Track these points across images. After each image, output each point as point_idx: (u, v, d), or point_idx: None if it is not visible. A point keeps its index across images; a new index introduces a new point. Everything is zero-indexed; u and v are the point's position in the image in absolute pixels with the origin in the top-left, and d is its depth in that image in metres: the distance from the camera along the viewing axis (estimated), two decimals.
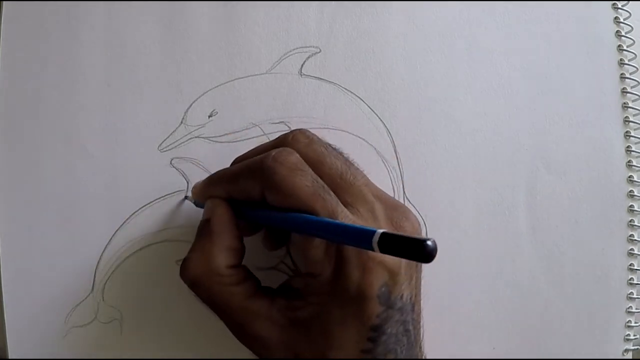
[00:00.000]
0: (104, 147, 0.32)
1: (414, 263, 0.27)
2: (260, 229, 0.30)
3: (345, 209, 0.26)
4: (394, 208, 0.28)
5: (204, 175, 0.32)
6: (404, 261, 0.26)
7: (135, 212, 0.32)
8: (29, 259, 0.31)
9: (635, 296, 0.36)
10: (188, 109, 0.33)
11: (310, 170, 0.26)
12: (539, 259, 0.35)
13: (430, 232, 0.34)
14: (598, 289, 0.35)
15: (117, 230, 0.32)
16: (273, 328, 0.26)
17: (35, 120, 0.32)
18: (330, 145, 0.29)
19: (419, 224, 0.28)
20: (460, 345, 0.32)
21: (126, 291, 0.32)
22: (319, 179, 0.26)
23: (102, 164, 0.32)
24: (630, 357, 0.36)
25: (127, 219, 0.32)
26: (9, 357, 0.31)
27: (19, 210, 0.31)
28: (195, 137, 0.33)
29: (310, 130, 0.33)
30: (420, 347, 0.28)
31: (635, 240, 0.36)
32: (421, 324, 0.28)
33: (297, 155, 0.26)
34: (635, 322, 0.35)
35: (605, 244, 0.36)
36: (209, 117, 0.33)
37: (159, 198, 0.32)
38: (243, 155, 0.30)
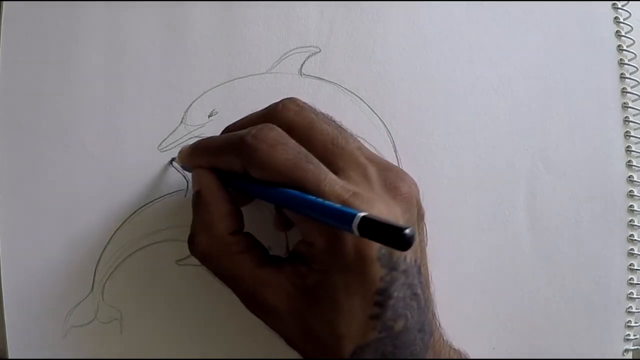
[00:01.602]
0: (104, 147, 0.32)
1: (416, 224, 0.27)
2: (252, 200, 0.30)
3: (333, 177, 0.25)
4: (388, 169, 0.27)
5: None
6: (402, 222, 0.25)
7: (135, 212, 0.32)
8: (29, 259, 0.31)
9: (635, 296, 0.36)
10: (188, 108, 0.33)
11: (292, 141, 0.26)
12: (539, 259, 0.35)
13: (430, 232, 0.34)
14: (598, 289, 0.35)
15: (117, 230, 0.32)
16: (282, 296, 0.26)
17: (35, 120, 0.32)
18: (321, 112, 0.28)
19: (416, 184, 0.28)
20: (460, 345, 0.32)
21: (126, 291, 0.32)
22: (302, 148, 0.26)
23: (102, 164, 0.32)
24: (630, 357, 0.36)
25: (127, 219, 0.32)
26: (9, 357, 0.31)
27: (19, 210, 0.31)
28: (195, 137, 0.33)
29: None
30: (433, 314, 0.27)
31: (635, 240, 0.36)
32: (431, 289, 0.27)
33: (278, 129, 0.26)
34: (635, 322, 0.35)
35: (605, 244, 0.36)
36: (209, 117, 0.33)
37: (159, 198, 0.32)
38: (233, 124, 0.29)
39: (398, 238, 0.20)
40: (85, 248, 0.31)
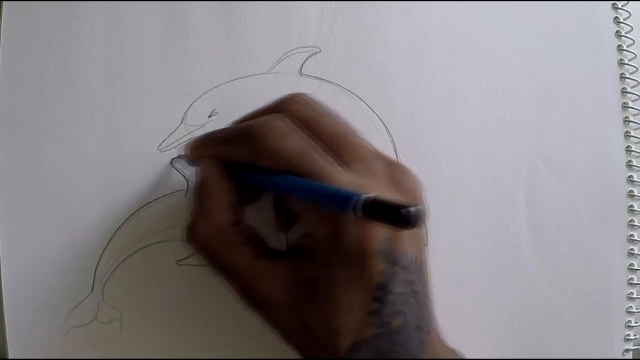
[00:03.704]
0: (104, 147, 0.32)
1: None
2: (257, 198, 0.30)
3: (339, 168, 0.25)
4: (393, 165, 0.28)
5: None
6: None
7: (135, 212, 0.32)
8: (29, 259, 0.31)
9: (635, 296, 0.36)
10: (188, 108, 0.33)
11: (301, 132, 0.26)
12: (539, 259, 0.35)
13: (430, 232, 0.34)
14: (598, 289, 0.35)
15: (117, 230, 0.32)
16: (279, 289, 0.26)
17: (35, 120, 0.32)
18: (329, 108, 0.28)
19: (420, 182, 0.28)
20: (460, 345, 0.32)
21: (126, 291, 0.32)
22: (309, 140, 0.26)
23: (102, 164, 0.32)
24: (631, 357, 0.35)
25: (127, 219, 0.32)
26: (9, 357, 0.31)
27: (19, 210, 0.31)
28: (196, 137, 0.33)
29: None
30: (430, 311, 0.27)
31: (635, 240, 0.36)
32: (429, 287, 0.27)
33: (287, 120, 0.26)
34: (635, 322, 0.35)
35: (605, 244, 0.36)
36: (209, 117, 0.33)
37: (159, 198, 0.32)
38: (242, 117, 0.29)
39: (405, 214, 0.20)
40: (85, 248, 0.31)
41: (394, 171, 0.27)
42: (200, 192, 0.28)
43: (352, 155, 0.26)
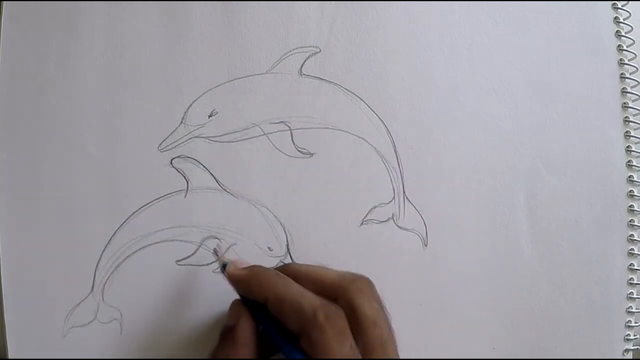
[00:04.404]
0: (103, 147, 0.32)
1: None
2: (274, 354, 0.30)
3: None
4: None
5: (204, 175, 0.32)
6: None
7: (135, 212, 0.32)
8: (29, 259, 0.31)
9: (635, 296, 0.36)
10: (188, 108, 0.33)
11: (351, 338, 0.26)
12: (539, 259, 0.35)
13: (430, 232, 0.34)
14: (598, 289, 0.35)
15: (117, 230, 0.32)
16: None
17: (35, 120, 0.32)
18: (381, 302, 0.29)
19: None
20: (460, 345, 0.32)
21: (126, 291, 0.32)
22: (356, 348, 0.26)
23: (102, 164, 0.32)
24: (631, 357, 0.36)
25: (127, 219, 0.32)
26: (9, 357, 0.31)
27: (19, 210, 0.31)
28: (195, 137, 0.33)
29: (311, 130, 0.33)
30: None
31: (635, 240, 0.36)
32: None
33: (346, 321, 0.26)
34: (635, 322, 0.35)
35: (605, 244, 0.36)
36: (209, 117, 0.33)
37: (159, 198, 0.32)
38: (307, 269, 0.29)
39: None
40: (85, 248, 0.31)
41: None
42: (227, 339, 0.28)
43: None
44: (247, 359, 0.27)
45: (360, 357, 0.26)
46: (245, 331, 0.28)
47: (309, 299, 0.27)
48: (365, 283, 0.28)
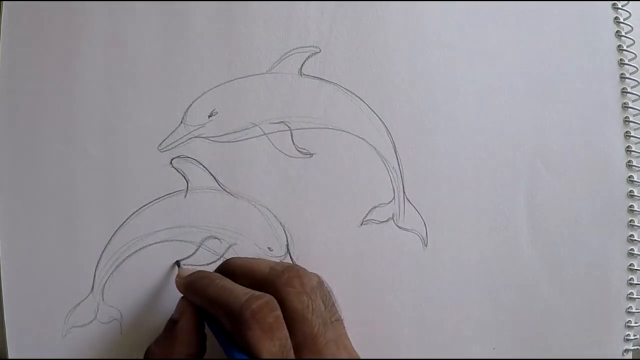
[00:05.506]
0: (103, 147, 0.32)
1: None
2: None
3: None
4: None
5: (204, 175, 0.32)
6: None
7: (135, 212, 0.32)
8: (29, 259, 0.31)
9: (635, 296, 0.36)
10: (188, 108, 0.33)
11: (284, 333, 0.26)
12: (539, 259, 0.35)
13: (430, 232, 0.34)
14: (598, 289, 0.35)
15: (117, 230, 0.32)
16: None
17: (35, 120, 0.32)
18: (322, 286, 0.28)
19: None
20: (460, 345, 0.32)
21: (126, 291, 0.32)
22: (288, 341, 0.26)
23: (102, 164, 0.32)
24: (630, 357, 0.36)
25: (127, 219, 0.32)
26: (9, 357, 0.31)
27: (19, 210, 0.31)
28: (195, 137, 0.33)
29: (311, 130, 0.33)
30: None
31: (635, 240, 0.36)
32: None
33: (277, 314, 0.26)
34: (635, 322, 0.35)
35: (605, 244, 0.36)
36: (209, 117, 0.33)
37: (159, 198, 0.32)
38: (242, 263, 0.29)
39: None
40: (85, 248, 0.31)
41: None
42: (169, 331, 0.28)
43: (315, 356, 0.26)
44: (181, 358, 0.27)
45: (291, 355, 0.25)
46: (186, 329, 0.28)
47: (236, 296, 0.26)
48: (295, 274, 0.27)
